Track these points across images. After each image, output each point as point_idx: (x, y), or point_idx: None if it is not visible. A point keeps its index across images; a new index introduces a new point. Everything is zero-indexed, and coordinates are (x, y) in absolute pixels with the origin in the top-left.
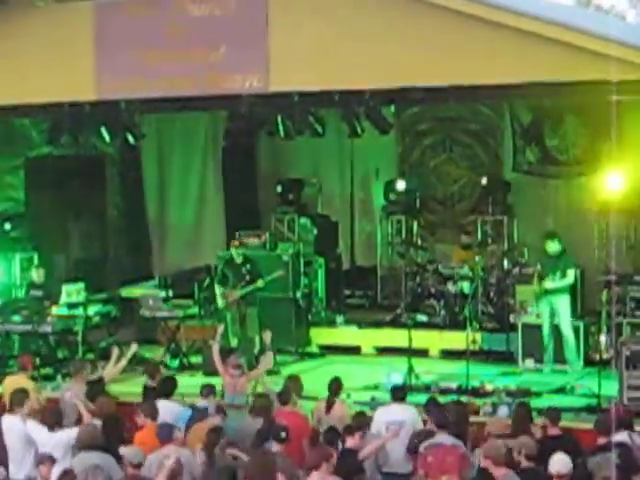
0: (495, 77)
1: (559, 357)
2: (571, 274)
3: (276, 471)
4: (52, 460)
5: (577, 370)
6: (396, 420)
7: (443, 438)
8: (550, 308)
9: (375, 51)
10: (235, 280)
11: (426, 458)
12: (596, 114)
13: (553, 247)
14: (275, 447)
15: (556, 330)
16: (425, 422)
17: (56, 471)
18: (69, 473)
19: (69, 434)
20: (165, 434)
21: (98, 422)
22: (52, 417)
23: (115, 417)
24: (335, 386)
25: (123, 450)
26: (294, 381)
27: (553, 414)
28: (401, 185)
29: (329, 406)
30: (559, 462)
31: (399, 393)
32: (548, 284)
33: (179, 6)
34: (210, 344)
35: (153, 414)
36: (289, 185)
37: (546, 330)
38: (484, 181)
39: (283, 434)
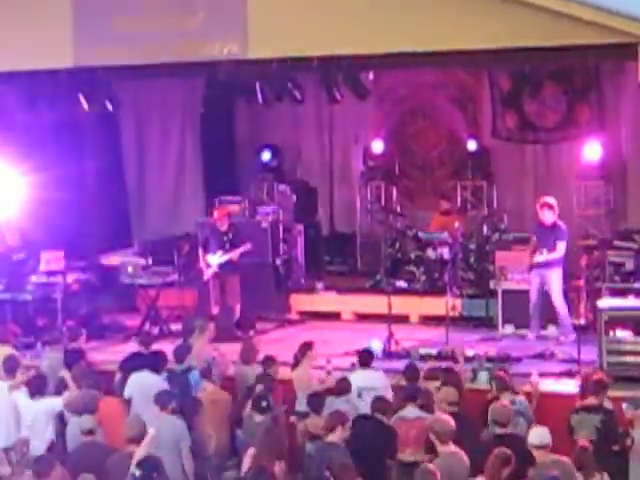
0: (474, 43)
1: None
2: (562, 247)
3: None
4: None
5: (569, 340)
6: (369, 386)
7: (408, 411)
8: (540, 280)
9: (353, 17)
10: (216, 247)
11: None
12: (575, 79)
13: (549, 217)
14: (258, 418)
15: (543, 297)
16: (401, 388)
17: (37, 444)
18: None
19: (52, 402)
20: None
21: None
22: (35, 385)
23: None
24: (303, 348)
25: None
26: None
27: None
28: (379, 146)
29: (294, 366)
30: (540, 434)
31: (367, 359)
32: (538, 257)
33: None
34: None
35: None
36: (270, 151)
37: (533, 299)
38: (463, 147)
39: (264, 403)
